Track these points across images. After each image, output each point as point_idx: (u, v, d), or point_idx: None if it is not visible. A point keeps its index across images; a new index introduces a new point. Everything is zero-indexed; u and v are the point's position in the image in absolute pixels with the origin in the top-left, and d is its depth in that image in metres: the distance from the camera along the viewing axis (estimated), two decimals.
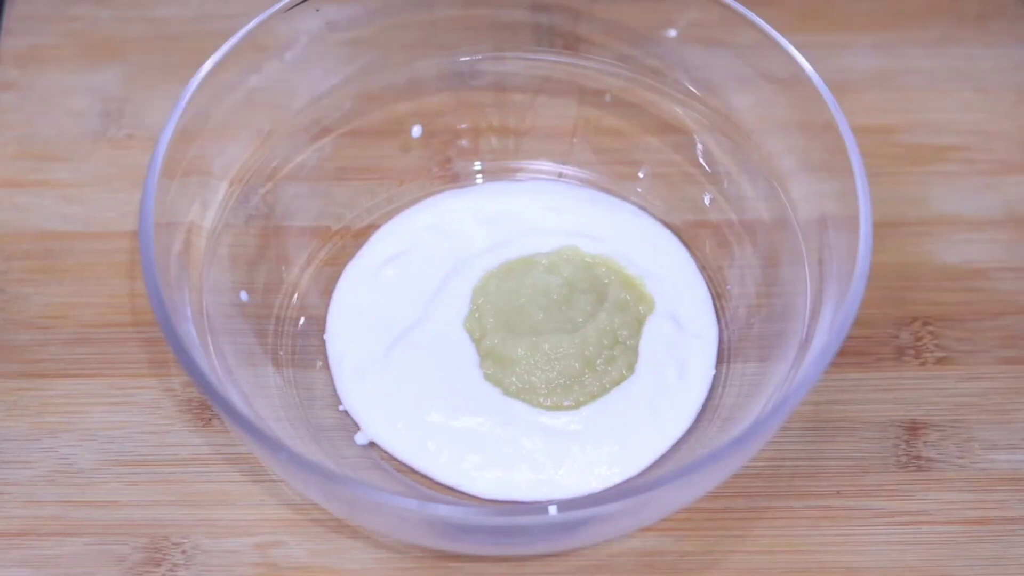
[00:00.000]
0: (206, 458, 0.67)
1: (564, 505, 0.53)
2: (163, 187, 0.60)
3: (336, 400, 0.68)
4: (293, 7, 0.65)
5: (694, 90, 0.71)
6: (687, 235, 0.73)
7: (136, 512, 0.65)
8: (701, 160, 0.72)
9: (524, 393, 0.66)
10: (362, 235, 0.73)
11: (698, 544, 0.64)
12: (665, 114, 0.72)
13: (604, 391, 0.66)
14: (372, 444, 0.66)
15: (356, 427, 0.66)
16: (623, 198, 0.74)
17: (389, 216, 0.74)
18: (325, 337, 0.69)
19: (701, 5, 0.67)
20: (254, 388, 0.64)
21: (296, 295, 0.71)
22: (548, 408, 0.65)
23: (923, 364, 0.69)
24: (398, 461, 0.65)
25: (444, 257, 0.71)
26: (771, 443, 0.63)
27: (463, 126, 0.76)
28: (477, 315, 0.68)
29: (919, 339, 0.70)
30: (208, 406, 0.68)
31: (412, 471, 0.65)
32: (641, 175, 0.75)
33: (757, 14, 0.65)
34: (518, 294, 0.68)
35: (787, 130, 0.66)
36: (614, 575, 0.63)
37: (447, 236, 0.72)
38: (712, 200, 0.72)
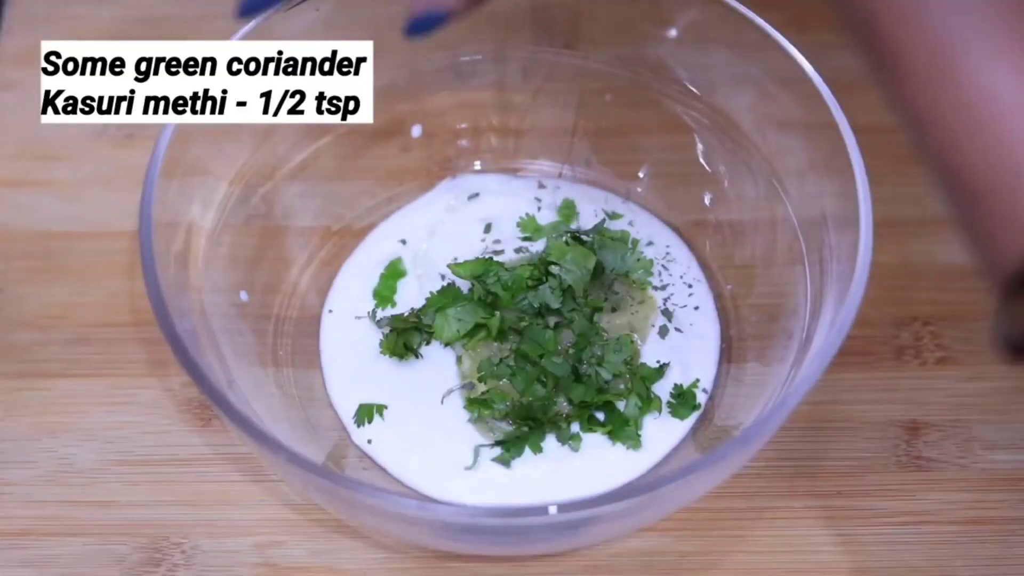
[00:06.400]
0: (206, 458, 0.67)
1: (564, 505, 0.53)
2: (163, 187, 0.60)
3: None
4: (293, 7, 0.65)
5: (694, 90, 0.71)
6: (687, 235, 0.73)
7: (136, 512, 0.65)
8: (701, 160, 0.72)
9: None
10: (362, 235, 0.73)
11: (698, 544, 0.64)
12: (665, 114, 0.72)
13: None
14: (372, 443, 0.66)
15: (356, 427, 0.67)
16: (623, 197, 0.74)
17: (389, 216, 0.74)
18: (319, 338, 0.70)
19: (701, 5, 0.67)
20: (254, 388, 0.64)
21: (296, 295, 0.71)
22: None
23: (923, 364, 0.69)
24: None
25: (441, 257, 0.71)
26: (771, 443, 0.63)
27: (463, 126, 0.76)
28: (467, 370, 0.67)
29: (919, 339, 0.70)
30: (208, 406, 0.68)
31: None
32: (641, 175, 0.75)
33: (757, 14, 0.65)
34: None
35: (787, 130, 0.66)
36: (614, 575, 0.63)
37: (445, 236, 0.72)
38: (712, 200, 0.72)
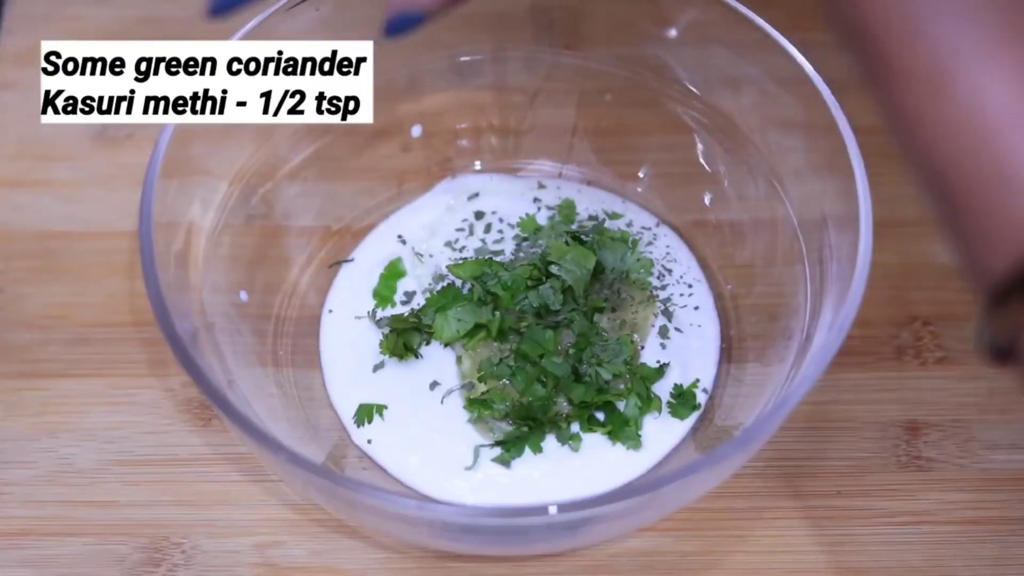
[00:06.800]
0: (206, 458, 0.67)
1: (564, 505, 0.53)
2: (163, 187, 0.60)
3: None
4: (293, 7, 0.65)
5: (694, 90, 0.71)
6: (687, 235, 0.73)
7: (136, 512, 0.65)
8: (701, 160, 0.72)
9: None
10: (362, 235, 0.73)
11: (698, 544, 0.64)
12: (665, 114, 0.72)
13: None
14: (372, 443, 0.66)
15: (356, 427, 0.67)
16: (623, 198, 0.74)
17: (389, 216, 0.74)
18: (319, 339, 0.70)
19: (701, 5, 0.67)
20: (254, 388, 0.64)
21: (296, 295, 0.71)
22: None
23: (923, 364, 0.69)
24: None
25: (440, 258, 0.71)
26: (771, 443, 0.63)
27: (463, 126, 0.76)
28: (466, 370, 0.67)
29: (919, 339, 0.70)
30: (208, 406, 0.68)
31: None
32: (641, 175, 0.75)
33: (757, 14, 0.65)
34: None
35: (787, 130, 0.66)
36: (614, 575, 0.63)
37: (445, 236, 0.72)
38: (712, 200, 0.72)
